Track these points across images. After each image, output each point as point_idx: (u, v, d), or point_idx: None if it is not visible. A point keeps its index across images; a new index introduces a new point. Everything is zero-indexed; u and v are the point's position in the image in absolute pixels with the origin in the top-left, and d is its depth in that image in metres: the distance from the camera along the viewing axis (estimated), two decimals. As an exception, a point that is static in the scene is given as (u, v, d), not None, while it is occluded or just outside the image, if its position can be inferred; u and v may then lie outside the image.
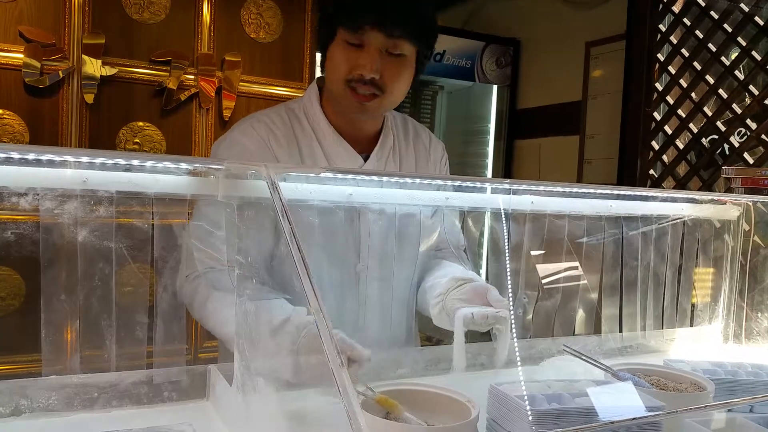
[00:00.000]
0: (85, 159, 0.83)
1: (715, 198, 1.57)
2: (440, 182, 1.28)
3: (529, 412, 0.86)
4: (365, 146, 1.32)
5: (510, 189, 1.23)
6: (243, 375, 0.90)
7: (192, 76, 2.67)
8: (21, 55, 2.36)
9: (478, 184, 1.27)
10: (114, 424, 0.90)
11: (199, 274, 1.11)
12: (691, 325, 1.60)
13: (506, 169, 3.92)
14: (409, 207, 1.27)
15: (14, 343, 2.22)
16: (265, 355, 0.93)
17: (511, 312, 1.22)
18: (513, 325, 1.09)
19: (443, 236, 1.35)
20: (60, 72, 2.41)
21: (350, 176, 1.11)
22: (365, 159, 1.30)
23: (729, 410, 1.10)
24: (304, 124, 1.28)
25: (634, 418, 0.89)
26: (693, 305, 1.61)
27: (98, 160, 0.83)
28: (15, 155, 0.78)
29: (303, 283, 0.76)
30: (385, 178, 1.16)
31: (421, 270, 1.37)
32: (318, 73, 3.18)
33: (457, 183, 1.24)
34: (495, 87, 3.93)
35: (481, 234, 1.38)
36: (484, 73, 3.83)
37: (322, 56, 1.27)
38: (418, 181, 1.22)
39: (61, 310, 0.90)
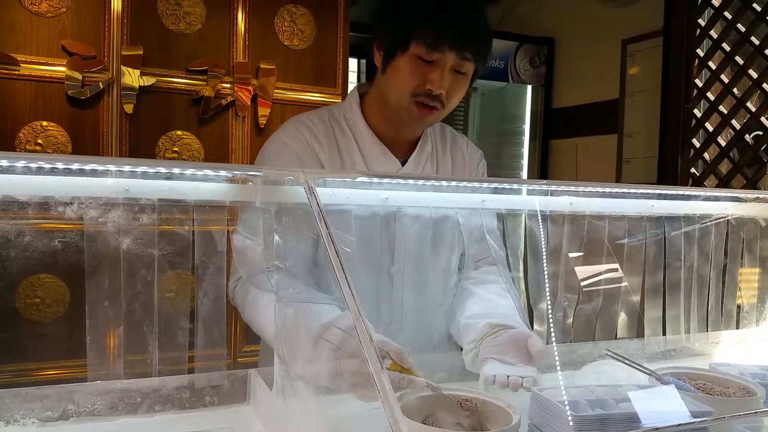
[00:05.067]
0: (127, 168, 0.85)
1: (761, 196, 1.52)
2: (476, 184, 1.27)
3: (572, 418, 0.84)
4: (404, 151, 1.33)
5: (548, 190, 1.21)
6: (283, 379, 0.91)
7: (228, 85, 2.70)
8: (63, 68, 2.43)
9: (515, 186, 1.25)
10: (157, 428, 0.92)
11: (249, 277, 1.13)
12: (737, 327, 1.56)
13: (542, 170, 3.87)
14: (445, 210, 1.27)
15: (60, 348, 2.27)
16: (305, 360, 0.94)
17: (550, 316, 1.20)
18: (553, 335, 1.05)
19: (484, 244, 1.33)
20: (100, 83, 2.47)
21: (386, 180, 1.11)
22: (403, 164, 1.31)
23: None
24: (344, 128, 1.30)
25: (679, 425, 0.86)
26: (739, 307, 1.56)
27: (140, 169, 0.85)
28: (60, 165, 0.80)
29: (342, 288, 0.76)
30: (420, 182, 1.16)
31: (461, 287, 1.36)
32: (352, 79, 3.19)
33: (494, 185, 1.23)
34: (529, 87, 3.88)
35: (519, 236, 1.36)
36: (518, 74, 3.79)
37: (383, 65, 1.24)
38: (453, 183, 1.21)
39: (104, 317, 0.91)
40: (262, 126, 2.76)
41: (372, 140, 1.29)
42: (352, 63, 3.22)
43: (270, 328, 1.00)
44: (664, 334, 1.46)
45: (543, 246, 1.21)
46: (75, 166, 0.81)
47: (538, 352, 1.04)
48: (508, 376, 0.99)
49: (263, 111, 2.75)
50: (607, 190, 1.26)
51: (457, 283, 1.37)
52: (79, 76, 2.43)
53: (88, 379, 0.93)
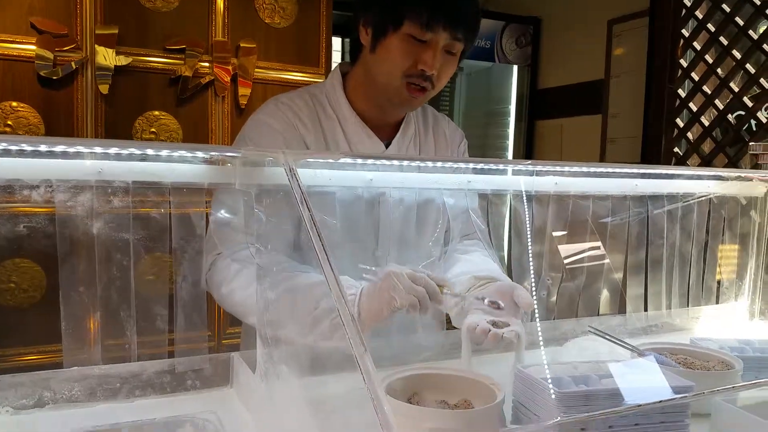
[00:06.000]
0: (98, 149, 0.82)
1: (742, 174, 1.53)
2: (461, 165, 1.26)
3: (555, 395, 0.84)
4: (387, 134, 1.31)
5: (533, 170, 1.21)
6: (266, 362, 0.90)
7: (207, 64, 2.65)
8: (33, 47, 2.36)
9: (501, 166, 1.24)
10: (138, 413, 0.90)
11: (231, 254, 1.11)
12: (717, 302, 1.58)
13: (527, 150, 3.87)
14: (430, 191, 1.26)
15: (38, 334, 2.25)
16: (288, 342, 0.93)
17: (534, 296, 1.20)
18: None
19: (470, 221, 1.32)
20: (72, 63, 2.41)
21: (370, 161, 1.09)
22: (386, 146, 1.30)
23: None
24: (327, 109, 1.27)
25: (660, 401, 0.87)
26: (719, 283, 1.58)
27: (112, 150, 0.82)
28: (28, 147, 0.77)
29: (324, 272, 0.75)
30: (405, 163, 1.14)
31: (447, 256, 1.35)
32: (336, 58, 3.15)
33: (479, 165, 1.22)
34: (515, 67, 3.86)
35: (502, 217, 1.36)
36: (504, 54, 3.77)
37: (372, 44, 1.21)
38: (439, 164, 1.20)
39: (80, 302, 0.90)
40: (243, 106, 2.71)
41: (356, 122, 1.27)
42: (336, 42, 3.18)
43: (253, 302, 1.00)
44: (645, 310, 1.47)
45: (528, 225, 1.21)
46: (44, 148, 0.78)
47: (526, 304, 1.05)
48: (490, 328, 1.00)
49: (244, 91, 2.71)
50: (592, 169, 1.27)
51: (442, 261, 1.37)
52: (50, 55, 2.36)
53: (65, 365, 0.92)
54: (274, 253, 0.94)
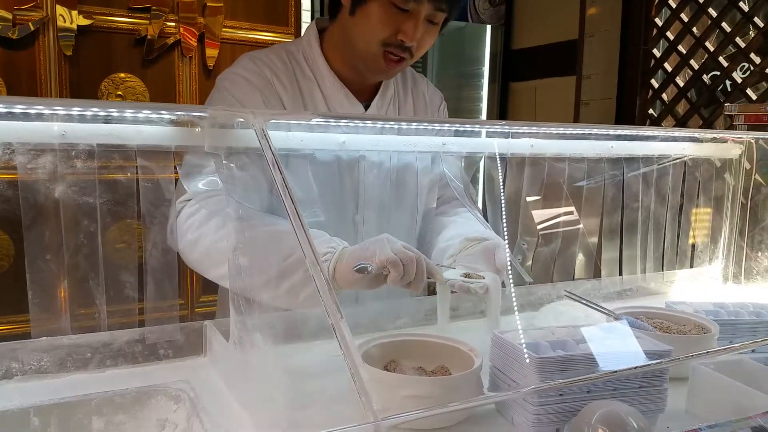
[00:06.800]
0: (60, 109, 0.78)
1: (717, 136, 1.53)
2: (437, 127, 1.24)
3: (531, 360, 0.84)
4: (366, 95, 1.27)
5: (509, 132, 1.19)
6: (240, 330, 0.88)
7: (172, 24, 2.56)
8: (-8, 6, 2.24)
9: (477, 128, 1.22)
10: (109, 384, 0.88)
11: (202, 200, 1.05)
12: (691, 266, 1.59)
13: (501, 113, 3.84)
14: (407, 154, 1.23)
15: (8, 303, 2.19)
16: (262, 310, 0.91)
17: (509, 261, 1.20)
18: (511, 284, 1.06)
19: (454, 184, 1.30)
20: (30, 24, 2.29)
21: (343, 122, 1.06)
22: (365, 108, 1.26)
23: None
24: (304, 68, 1.23)
25: (636, 367, 0.87)
26: (693, 246, 1.60)
27: (75, 111, 0.78)
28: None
29: (299, 238, 0.73)
30: (379, 124, 1.11)
31: (425, 219, 1.33)
32: (306, 18, 3.06)
33: (455, 127, 1.20)
34: (489, 27, 3.81)
35: (475, 180, 1.35)
36: (478, 12, 3.70)
37: (352, 6, 1.15)
38: (414, 126, 1.17)
39: (47, 271, 0.87)
40: (211, 67, 2.64)
41: (334, 83, 1.23)
42: (305, 0, 3.08)
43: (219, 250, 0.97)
44: (620, 274, 1.48)
45: (501, 188, 1.20)
46: (2, 109, 0.73)
47: (501, 264, 1.06)
48: (462, 281, 1.02)
49: (211, 52, 2.63)
50: (569, 131, 1.25)
51: (421, 225, 1.35)
52: (8, 14, 2.25)
53: (33, 335, 0.89)
54: (248, 207, 0.91)
